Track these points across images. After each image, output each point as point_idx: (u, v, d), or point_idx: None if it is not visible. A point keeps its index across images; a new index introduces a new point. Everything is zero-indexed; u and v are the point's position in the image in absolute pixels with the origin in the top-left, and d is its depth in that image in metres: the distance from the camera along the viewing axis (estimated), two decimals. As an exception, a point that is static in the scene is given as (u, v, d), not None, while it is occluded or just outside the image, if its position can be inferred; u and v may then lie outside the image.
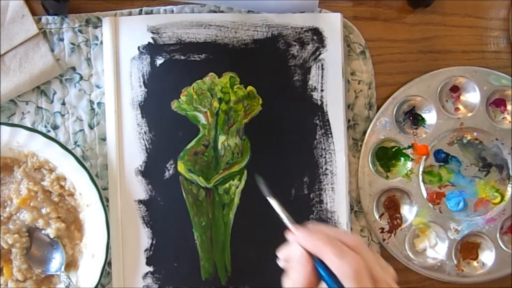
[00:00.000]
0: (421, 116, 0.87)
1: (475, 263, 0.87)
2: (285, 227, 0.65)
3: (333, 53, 0.83)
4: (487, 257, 0.87)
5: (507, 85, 0.85)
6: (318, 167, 0.83)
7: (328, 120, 0.83)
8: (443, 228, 0.86)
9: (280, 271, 0.82)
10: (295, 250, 0.61)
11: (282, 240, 0.82)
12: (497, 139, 0.86)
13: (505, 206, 0.86)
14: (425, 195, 0.86)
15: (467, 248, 0.87)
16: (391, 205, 0.87)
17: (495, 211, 0.87)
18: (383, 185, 0.86)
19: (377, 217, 0.86)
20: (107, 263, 0.79)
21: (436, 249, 0.87)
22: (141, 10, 0.81)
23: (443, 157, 0.87)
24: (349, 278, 0.55)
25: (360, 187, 0.85)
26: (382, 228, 0.86)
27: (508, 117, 0.87)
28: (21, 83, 0.79)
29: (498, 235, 0.86)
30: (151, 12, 0.81)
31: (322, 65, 0.83)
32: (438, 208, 0.86)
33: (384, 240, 0.86)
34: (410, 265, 0.86)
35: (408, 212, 0.87)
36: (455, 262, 0.86)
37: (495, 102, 0.87)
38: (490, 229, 0.86)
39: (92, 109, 0.81)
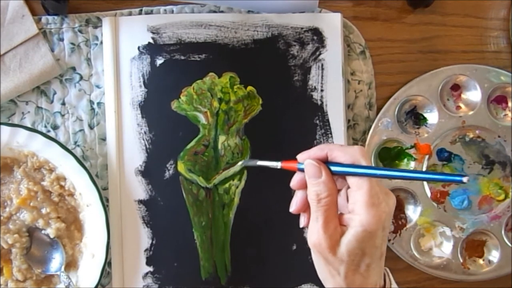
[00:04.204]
0: (423, 116, 0.86)
1: (481, 261, 0.87)
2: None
3: (333, 53, 0.83)
4: (493, 254, 0.86)
5: (507, 82, 0.85)
6: (318, 167, 0.82)
7: (328, 120, 0.83)
8: (448, 227, 0.85)
9: (280, 271, 0.82)
10: (307, 167, 0.62)
11: (282, 240, 0.82)
12: (499, 136, 0.86)
13: (509, 203, 0.86)
14: (429, 194, 0.85)
15: (473, 246, 0.86)
16: (395, 206, 0.86)
17: (500, 208, 0.86)
18: (387, 186, 0.84)
19: (381, 217, 0.85)
20: (107, 263, 0.78)
21: (442, 248, 0.86)
22: (141, 10, 0.82)
23: (446, 156, 0.86)
24: (363, 157, 0.60)
25: (364, 188, 0.85)
26: (387, 229, 0.85)
27: (510, 114, 0.87)
28: (21, 83, 0.79)
29: (503, 232, 0.85)
30: (151, 12, 0.82)
31: (322, 65, 0.83)
32: (442, 207, 0.86)
33: (389, 240, 0.85)
34: (416, 265, 0.85)
35: (413, 212, 0.86)
36: (461, 260, 0.85)
37: (496, 99, 0.87)
38: (495, 226, 0.85)
39: (92, 109, 0.81)
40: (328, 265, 0.61)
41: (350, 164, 0.60)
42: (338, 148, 0.62)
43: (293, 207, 0.65)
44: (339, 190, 0.62)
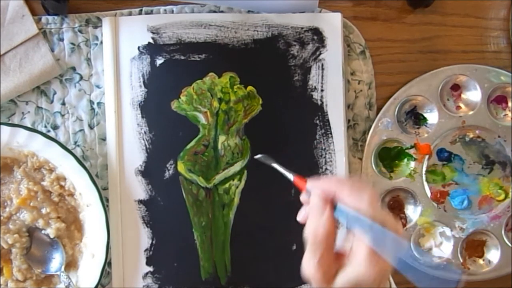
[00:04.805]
0: (423, 116, 0.86)
1: (481, 261, 0.87)
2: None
3: (333, 53, 0.83)
4: (493, 254, 0.86)
5: (507, 82, 0.85)
6: (318, 167, 0.82)
7: (328, 120, 0.83)
8: (448, 227, 0.85)
9: (280, 271, 0.81)
10: (313, 199, 0.62)
11: (282, 240, 0.81)
12: (499, 136, 0.86)
13: (509, 203, 0.86)
14: (429, 194, 0.85)
15: (473, 246, 0.86)
16: (395, 205, 0.86)
17: (500, 208, 0.86)
18: (387, 186, 0.85)
19: (381, 218, 0.85)
20: (107, 263, 0.78)
21: (442, 248, 0.86)
22: (141, 10, 0.82)
23: (446, 156, 0.86)
24: (370, 206, 0.58)
25: (364, 188, 0.85)
26: (387, 229, 0.85)
27: (510, 114, 0.87)
28: (21, 83, 0.79)
29: (503, 232, 0.85)
30: (151, 12, 0.82)
31: (322, 65, 0.83)
32: (442, 207, 0.86)
33: (389, 240, 0.85)
34: (416, 265, 0.84)
35: (413, 212, 0.86)
36: (461, 260, 0.85)
37: (496, 99, 0.87)
38: (495, 226, 0.85)
39: (92, 109, 0.81)
40: None
41: (355, 213, 0.59)
42: (349, 188, 0.60)
43: (301, 218, 0.65)
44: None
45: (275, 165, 0.71)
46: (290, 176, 0.68)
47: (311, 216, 0.61)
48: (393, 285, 0.67)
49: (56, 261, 0.79)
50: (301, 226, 0.81)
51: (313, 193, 0.62)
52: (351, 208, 0.59)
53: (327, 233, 0.59)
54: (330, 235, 0.59)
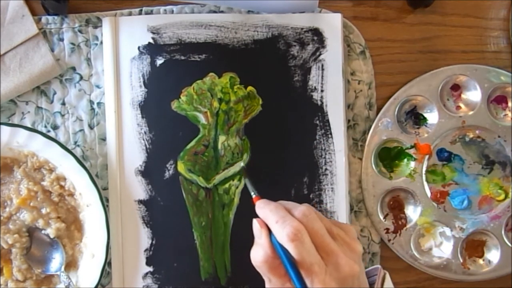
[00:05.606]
0: (423, 116, 0.86)
1: (481, 261, 0.87)
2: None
3: (333, 54, 0.83)
4: (493, 254, 0.86)
5: (507, 82, 0.85)
6: (318, 167, 0.82)
7: (328, 120, 0.83)
8: (448, 227, 0.85)
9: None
10: (253, 224, 0.64)
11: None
12: (499, 136, 0.86)
13: (509, 203, 0.86)
14: (429, 194, 0.85)
15: (473, 246, 0.86)
16: (395, 205, 0.86)
17: (500, 208, 0.86)
18: (387, 186, 0.85)
19: (381, 217, 0.85)
20: (107, 263, 0.78)
21: (442, 248, 0.86)
22: (141, 10, 0.82)
23: (446, 156, 0.86)
24: (286, 241, 0.59)
25: (364, 188, 0.85)
26: (387, 229, 0.85)
27: (510, 114, 0.87)
28: (21, 83, 0.79)
29: (503, 232, 0.85)
30: (151, 12, 0.82)
31: (322, 65, 0.83)
32: (442, 207, 0.86)
33: (389, 240, 0.85)
34: (416, 265, 0.85)
35: (413, 212, 0.86)
36: (461, 260, 0.85)
37: (496, 99, 0.87)
38: (495, 226, 0.85)
39: (92, 109, 0.81)
40: None
41: (281, 247, 0.60)
42: (275, 217, 0.62)
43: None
44: None
45: (247, 181, 0.74)
46: (252, 195, 0.70)
47: (254, 243, 0.64)
48: (391, 285, 0.67)
49: (56, 261, 0.79)
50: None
51: (254, 220, 0.64)
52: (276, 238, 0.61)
53: (263, 259, 0.61)
54: (267, 259, 0.61)
